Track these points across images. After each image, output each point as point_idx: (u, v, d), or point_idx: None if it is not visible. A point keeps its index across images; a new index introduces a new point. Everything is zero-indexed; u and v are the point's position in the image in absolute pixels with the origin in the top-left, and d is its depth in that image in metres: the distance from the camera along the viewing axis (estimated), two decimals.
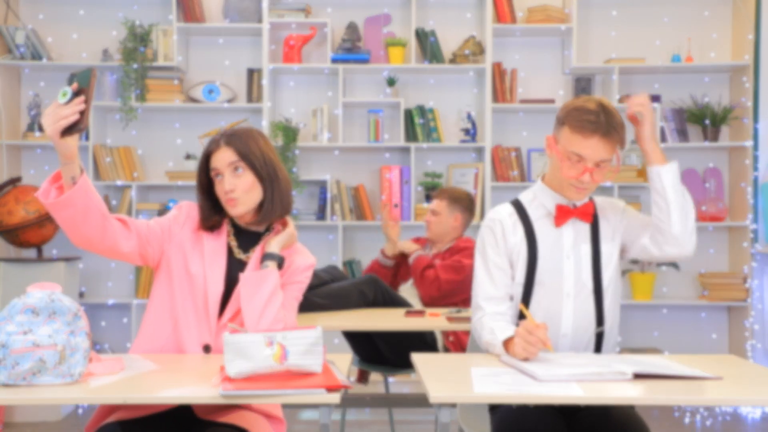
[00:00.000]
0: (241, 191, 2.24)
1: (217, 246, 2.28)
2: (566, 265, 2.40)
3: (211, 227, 2.31)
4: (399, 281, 4.05)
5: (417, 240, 4.14)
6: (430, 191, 5.15)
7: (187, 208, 2.33)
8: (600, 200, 2.50)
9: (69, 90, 1.96)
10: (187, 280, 2.23)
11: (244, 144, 2.26)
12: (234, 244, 2.31)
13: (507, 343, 2.22)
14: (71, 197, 2.04)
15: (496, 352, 2.27)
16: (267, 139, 2.34)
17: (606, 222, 2.45)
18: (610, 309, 2.43)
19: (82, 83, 1.96)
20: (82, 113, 1.96)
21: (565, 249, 2.41)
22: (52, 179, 2.07)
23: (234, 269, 2.27)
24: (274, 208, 2.29)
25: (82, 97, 1.95)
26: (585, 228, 2.43)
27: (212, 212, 2.31)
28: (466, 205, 4.01)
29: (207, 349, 2.21)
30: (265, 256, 2.24)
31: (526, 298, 2.40)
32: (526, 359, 2.10)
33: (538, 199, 2.46)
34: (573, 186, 2.35)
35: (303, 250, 2.37)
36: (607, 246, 2.43)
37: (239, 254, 2.30)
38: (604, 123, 2.27)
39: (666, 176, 2.34)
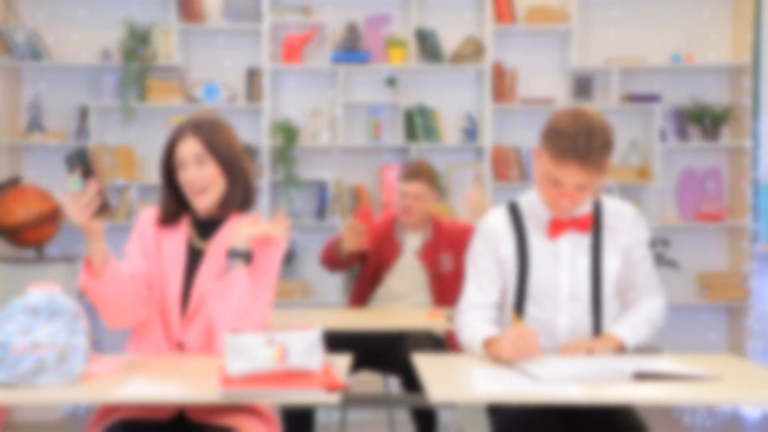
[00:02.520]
0: (207, 181, 2.23)
1: (176, 243, 2.27)
2: (562, 278, 2.33)
3: (171, 219, 2.29)
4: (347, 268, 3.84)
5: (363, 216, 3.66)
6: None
7: (145, 215, 2.32)
8: (609, 206, 2.39)
9: (77, 177, 1.98)
10: (152, 282, 2.24)
11: (210, 135, 2.24)
12: (193, 234, 2.29)
13: (489, 343, 2.20)
14: (110, 274, 2.10)
15: (475, 351, 2.25)
16: (232, 130, 2.31)
17: (611, 234, 2.36)
18: (612, 321, 2.37)
19: (81, 163, 1.98)
20: (100, 193, 2.00)
21: (561, 261, 2.34)
22: (86, 265, 2.10)
23: (195, 260, 2.26)
24: (234, 198, 2.27)
25: (94, 181, 1.98)
26: (584, 239, 2.35)
27: (174, 203, 2.29)
28: (437, 180, 3.85)
29: (180, 346, 2.21)
30: (231, 253, 2.19)
31: (519, 308, 2.36)
32: (511, 362, 2.08)
33: (534, 207, 2.38)
34: (554, 208, 2.30)
35: None
36: (610, 258, 2.35)
37: (199, 244, 2.28)
38: (582, 148, 2.12)
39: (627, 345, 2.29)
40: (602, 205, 2.39)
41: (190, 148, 2.23)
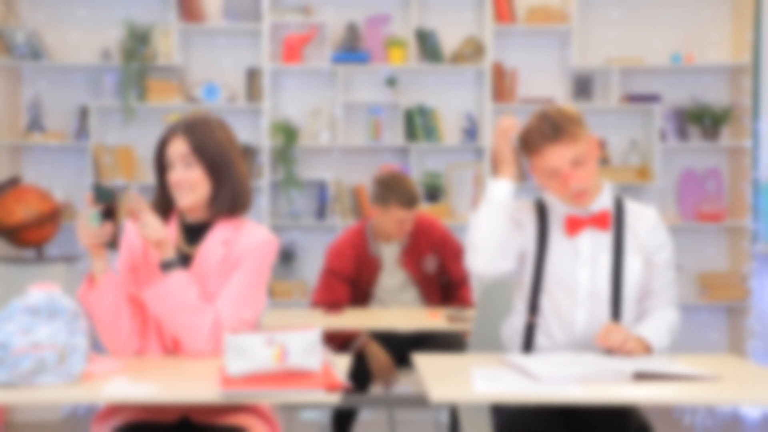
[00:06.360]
0: (191, 183, 2.20)
1: None
2: (581, 275, 2.33)
3: (161, 215, 2.26)
4: None
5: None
6: (431, 191, 5.12)
7: (130, 227, 2.29)
8: (631, 207, 2.41)
9: (96, 214, 2.08)
10: (140, 286, 2.23)
11: (199, 136, 2.20)
12: (181, 239, 2.26)
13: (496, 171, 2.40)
14: (106, 284, 2.15)
15: (488, 195, 2.41)
16: (227, 129, 2.28)
17: (632, 234, 2.37)
18: (632, 320, 2.35)
19: (107, 200, 2.06)
20: (114, 235, 2.12)
21: (580, 257, 2.34)
22: (87, 280, 2.17)
23: (183, 266, 2.21)
24: (221, 201, 2.23)
25: (110, 225, 2.09)
26: (605, 238, 2.35)
27: (163, 200, 2.28)
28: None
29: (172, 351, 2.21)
30: (163, 266, 2.16)
31: (535, 300, 2.37)
32: (504, 153, 2.36)
33: (555, 205, 2.40)
34: (570, 197, 2.31)
35: (254, 228, 2.27)
36: (632, 258, 2.35)
37: (187, 249, 2.25)
38: (547, 130, 2.26)
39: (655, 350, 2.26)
40: (623, 205, 2.41)
41: (178, 149, 2.20)
